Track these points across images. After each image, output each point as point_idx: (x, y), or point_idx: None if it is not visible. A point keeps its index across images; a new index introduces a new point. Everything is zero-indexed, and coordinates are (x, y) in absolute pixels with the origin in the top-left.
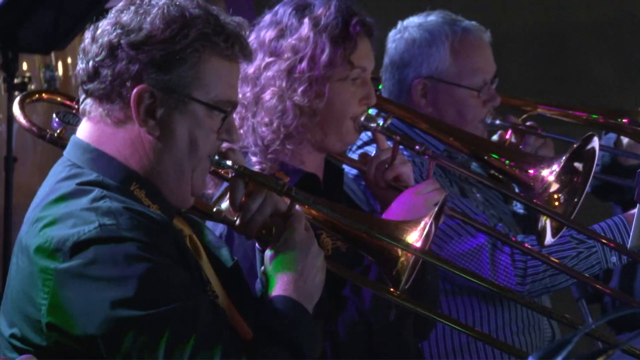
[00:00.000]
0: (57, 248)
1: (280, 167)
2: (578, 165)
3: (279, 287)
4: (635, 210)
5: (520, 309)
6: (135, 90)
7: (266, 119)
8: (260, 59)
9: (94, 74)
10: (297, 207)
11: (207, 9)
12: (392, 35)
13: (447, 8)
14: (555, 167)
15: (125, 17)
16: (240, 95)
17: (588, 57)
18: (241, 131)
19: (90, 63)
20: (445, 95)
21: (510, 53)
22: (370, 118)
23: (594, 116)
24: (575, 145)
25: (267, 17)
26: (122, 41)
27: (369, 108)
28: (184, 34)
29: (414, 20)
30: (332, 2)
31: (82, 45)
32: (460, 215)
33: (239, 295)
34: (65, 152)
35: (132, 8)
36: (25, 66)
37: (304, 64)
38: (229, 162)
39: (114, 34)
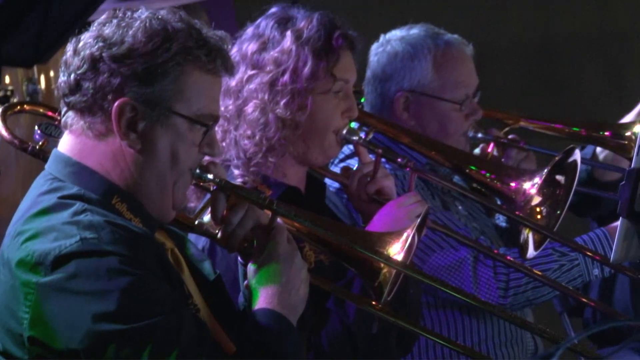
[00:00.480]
0: (38, 262)
1: (262, 180)
2: (560, 178)
3: (262, 300)
4: (618, 223)
5: (503, 322)
6: (116, 104)
7: (248, 132)
8: (242, 72)
9: (75, 87)
10: (278, 220)
11: (190, 22)
12: (375, 48)
13: (432, 21)
14: (537, 180)
15: (108, 30)
16: (222, 108)
17: (574, 69)
18: (223, 144)
19: (72, 76)
20: (427, 108)
21: (495, 66)
22: (352, 131)
23: (576, 129)
24: (556, 158)
25: (250, 30)
26: (104, 54)
27: (351, 121)
28: (166, 48)
29: (396, 34)
30: (314, 15)
31: (63, 58)
32: (442, 227)
33: (221, 309)
34: (46, 166)
35: (115, 21)
36: (7, 79)
37: (286, 77)
38: (210, 176)
39: (96, 46)
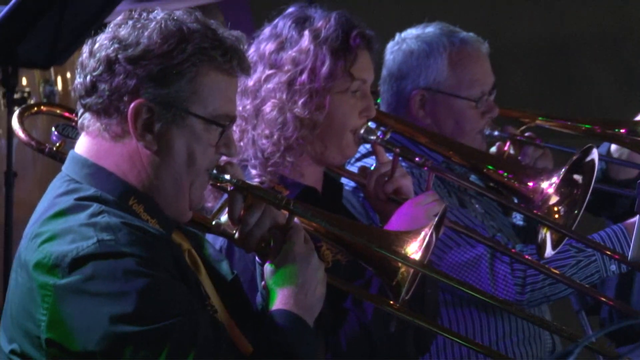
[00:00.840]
0: (55, 264)
1: (279, 180)
2: (577, 177)
3: (279, 301)
4: (636, 220)
5: (521, 320)
6: (132, 105)
7: (266, 131)
8: (260, 72)
9: (91, 89)
10: (295, 220)
11: (206, 23)
12: (390, 47)
13: (448, 20)
14: (555, 180)
15: (123, 32)
16: (240, 108)
17: (589, 68)
18: (241, 144)
19: (88, 77)
20: (443, 106)
21: (511, 64)
22: (370, 131)
23: (587, 126)
24: (574, 157)
25: (267, 30)
26: (119, 55)
27: (368, 120)
28: (182, 49)
29: (411, 32)
30: (332, 14)
31: (80, 59)
32: (459, 226)
33: (239, 309)
34: (63, 167)
35: (130, 22)
36: (24, 81)
37: (304, 76)
38: (227, 176)
39: (112, 48)
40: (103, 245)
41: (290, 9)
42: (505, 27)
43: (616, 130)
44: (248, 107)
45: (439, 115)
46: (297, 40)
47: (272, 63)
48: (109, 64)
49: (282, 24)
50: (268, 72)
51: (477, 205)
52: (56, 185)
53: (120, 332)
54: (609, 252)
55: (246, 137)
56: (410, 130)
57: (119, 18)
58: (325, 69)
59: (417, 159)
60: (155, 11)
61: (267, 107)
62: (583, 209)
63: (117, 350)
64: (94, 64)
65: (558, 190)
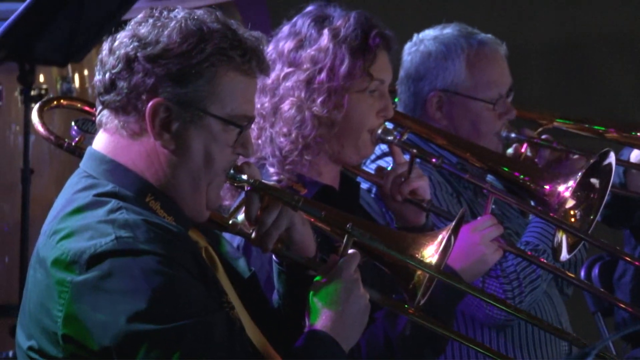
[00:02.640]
0: (73, 260)
1: (297, 179)
2: (594, 181)
3: (320, 321)
4: None
5: (531, 329)
6: (150, 104)
7: (284, 130)
8: (279, 70)
9: (110, 86)
10: (351, 250)
11: (226, 23)
12: (408, 48)
13: (466, 21)
14: (572, 183)
15: (143, 30)
16: (258, 106)
17: (607, 68)
18: (259, 141)
19: (107, 75)
20: (460, 108)
21: (529, 66)
22: (387, 131)
23: (600, 129)
24: (591, 161)
25: (286, 28)
26: (138, 54)
27: (386, 120)
28: (201, 48)
29: (429, 33)
30: (351, 14)
31: (99, 57)
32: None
33: (256, 306)
34: (81, 163)
35: (151, 21)
36: (42, 78)
37: (323, 75)
38: (244, 176)
39: (131, 46)
40: (121, 243)
41: (309, 8)
42: (522, 27)
43: (632, 133)
44: (266, 104)
45: (456, 116)
46: (316, 39)
47: (291, 61)
48: (128, 62)
49: (301, 22)
50: (287, 70)
51: (493, 206)
52: (74, 182)
53: (136, 330)
54: (628, 259)
55: (264, 135)
56: (427, 131)
57: (140, 16)
58: (344, 68)
59: (434, 160)
60: (176, 10)
61: (286, 105)
62: (599, 213)
63: (131, 348)
64: (114, 61)
65: (574, 194)
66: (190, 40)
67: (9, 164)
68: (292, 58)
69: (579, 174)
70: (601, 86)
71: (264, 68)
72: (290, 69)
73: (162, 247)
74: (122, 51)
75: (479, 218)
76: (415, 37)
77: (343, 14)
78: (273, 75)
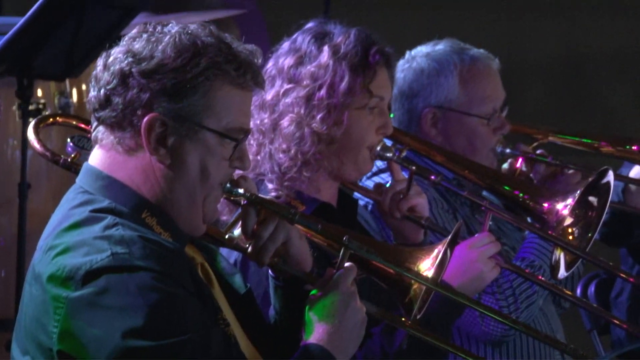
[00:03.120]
0: (69, 276)
1: (296, 196)
2: (593, 199)
3: (315, 334)
4: None
5: (527, 340)
6: (146, 119)
7: (284, 146)
8: (279, 86)
9: (105, 102)
10: (348, 263)
11: (220, 37)
12: (401, 65)
13: (465, 37)
14: (570, 201)
15: (137, 45)
16: (258, 122)
17: (606, 84)
18: (258, 157)
19: (102, 91)
20: (455, 124)
21: (527, 82)
22: (386, 148)
23: (595, 143)
24: (590, 179)
25: (286, 45)
26: (133, 69)
27: (385, 137)
28: (195, 63)
29: (421, 50)
30: (351, 31)
31: (94, 73)
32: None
33: (251, 322)
34: (77, 179)
35: (145, 36)
36: (39, 93)
37: (323, 91)
38: (240, 190)
39: (126, 62)
40: (117, 259)
41: (310, 24)
42: (521, 43)
43: (627, 147)
44: (266, 121)
45: (451, 133)
46: (316, 56)
47: (291, 77)
48: (123, 77)
49: (302, 38)
50: (286, 86)
51: (490, 222)
52: (70, 197)
53: (132, 346)
54: (623, 275)
55: (263, 151)
56: (426, 148)
57: (134, 31)
58: (344, 85)
59: (432, 177)
60: (170, 24)
61: (285, 122)
62: (597, 231)
63: None
64: (108, 77)
65: (573, 212)
66: (184, 55)
67: (6, 178)
68: (292, 74)
69: (578, 192)
70: (599, 102)
71: (259, 81)
72: (290, 85)
73: (158, 263)
74: (117, 67)
75: (476, 235)
76: (407, 54)
77: (343, 31)
78: (273, 91)
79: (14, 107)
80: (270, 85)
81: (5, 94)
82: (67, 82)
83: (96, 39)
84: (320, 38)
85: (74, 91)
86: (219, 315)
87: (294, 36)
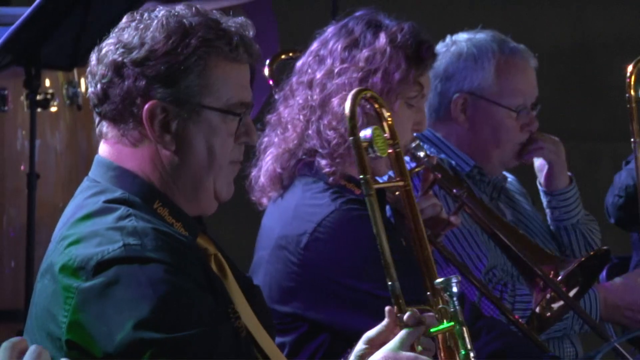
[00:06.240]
0: (80, 266)
1: (347, 180)
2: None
3: None
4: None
5: None
6: (146, 107)
7: (334, 123)
8: (330, 65)
9: (103, 96)
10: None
11: (207, 14)
12: (439, 47)
13: (473, 25)
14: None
15: (126, 35)
16: (307, 97)
17: (614, 72)
18: (307, 132)
19: (99, 85)
20: (483, 112)
21: (537, 70)
22: (418, 147)
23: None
24: (582, 259)
25: (332, 29)
26: (125, 59)
27: (418, 133)
28: (186, 44)
29: (463, 35)
30: (403, 23)
31: (88, 69)
32: (453, 258)
33: (265, 312)
34: (90, 172)
35: (133, 24)
36: (47, 83)
37: (378, 76)
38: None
39: (117, 53)
40: (129, 250)
41: (360, 12)
42: (530, 29)
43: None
44: (315, 97)
45: (478, 121)
46: (371, 41)
47: (344, 58)
48: (117, 68)
49: (354, 23)
50: (340, 66)
51: (507, 212)
52: (84, 187)
53: (140, 337)
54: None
55: (311, 128)
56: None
57: (122, 22)
58: (399, 73)
59: (454, 190)
60: (157, 9)
61: (336, 100)
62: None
63: (135, 356)
64: (103, 71)
65: (563, 281)
66: (174, 38)
67: (14, 169)
68: (346, 56)
69: (573, 263)
70: (609, 90)
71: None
72: (343, 65)
73: (169, 255)
74: (110, 59)
75: None
76: (447, 38)
77: (395, 23)
78: (323, 69)
79: (22, 98)
80: (321, 64)
81: (13, 85)
82: (75, 71)
83: (104, 28)
84: (374, 25)
85: (82, 81)
86: (230, 308)
87: (344, 21)
